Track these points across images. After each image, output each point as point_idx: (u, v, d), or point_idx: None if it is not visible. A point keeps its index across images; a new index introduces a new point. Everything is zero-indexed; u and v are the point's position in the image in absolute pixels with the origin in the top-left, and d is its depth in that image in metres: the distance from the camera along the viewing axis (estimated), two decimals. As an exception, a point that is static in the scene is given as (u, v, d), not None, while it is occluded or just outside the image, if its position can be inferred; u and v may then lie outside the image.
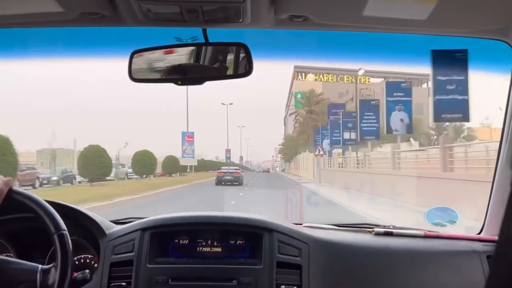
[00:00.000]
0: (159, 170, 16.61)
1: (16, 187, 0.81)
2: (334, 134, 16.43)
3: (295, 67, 25.72)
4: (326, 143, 17.00)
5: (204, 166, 22.67)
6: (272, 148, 37.92)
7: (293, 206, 7.04)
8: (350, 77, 25.45)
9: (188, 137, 19.01)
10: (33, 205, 0.79)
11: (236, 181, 14.38)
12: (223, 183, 14.37)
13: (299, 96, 25.99)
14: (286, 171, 29.98)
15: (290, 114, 27.03)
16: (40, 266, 0.80)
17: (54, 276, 0.77)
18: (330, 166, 16.46)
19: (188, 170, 19.25)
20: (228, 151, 28.43)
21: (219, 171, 15.53)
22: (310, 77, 26.15)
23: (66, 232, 0.78)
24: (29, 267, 0.80)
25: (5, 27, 0.89)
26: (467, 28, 0.92)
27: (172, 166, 16.76)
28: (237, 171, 14.97)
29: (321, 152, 15.94)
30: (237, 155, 34.24)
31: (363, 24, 0.89)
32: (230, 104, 24.80)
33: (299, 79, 26.06)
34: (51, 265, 0.80)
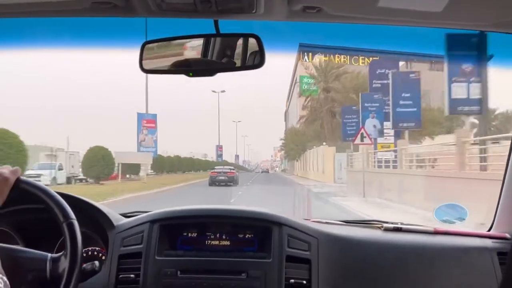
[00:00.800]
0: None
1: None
2: (403, 102, 9.75)
3: (300, 45, 20.92)
4: (371, 124, 10.54)
5: (177, 165, 19.27)
6: (271, 148, 37.76)
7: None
8: (366, 58, 20.61)
9: (147, 122, 14.14)
10: (41, 194, 0.87)
11: (231, 182, 14.42)
12: (216, 183, 14.61)
13: (305, 79, 22.49)
14: (289, 172, 27.23)
15: (300, 96, 23.37)
16: (49, 254, 0.89)
17: (64, 264, 0.85)
18: (392, 165, 9.42)
19: (149, 171, 14.54)
20: (219, 147, 26.23)
21: (213, 171, 15.70)
22: (319, 58, 22.30)
23: (75, 221, 0.86)
24: (39, 255, 0.89)
25: (15, 16, 0.96)
26: (484, 21, 0.98)
27: (101, 166, 11.46)
28: (232, 171, 15.20)
29: (368, 141, 9.66)
30: (232, 154, 33.57)
31: (377, 16, 0.97)
32: (222, 91, 23.30)
33: (305, 60, 22.44)
34: (60, 253, 0.88)
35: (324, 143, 18.25)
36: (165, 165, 17.58)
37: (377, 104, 11.20)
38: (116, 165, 12.47)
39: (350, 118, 13.17)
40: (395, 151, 10.41)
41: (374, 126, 10.97)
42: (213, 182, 14.63)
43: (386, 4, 0.90)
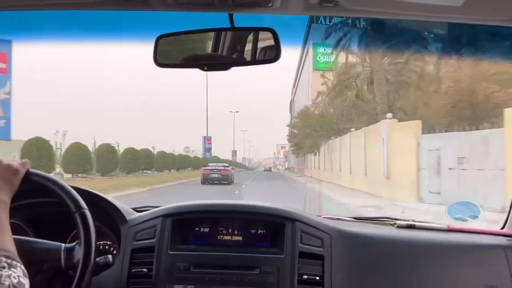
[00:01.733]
0: None
1: None
2: None
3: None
4: None
5: (107, 161, 15.02)
6: (274, 145, 37.08)
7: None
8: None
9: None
10: (52, 185, 0.94)
11: (225, 180, 14.71)
12: (209, 181, 14.87)
13: (321, 49, 16.63)
14: (297, 171, 22.46)
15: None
16: (63, 244, 0.97)
17: (78, 254, 0.93)
18: None
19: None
20: (207, 139, 23.55)
21: (205, 168, 16.01)
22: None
23: (87, 211, 0.94)
24: (53, 246, 0.97)
25: (29, 9, 1.03)
26: (505, 16, 1.03)
27: None
28: (226, 168, 15.55)
29: None
30: (229, 149, 32.81)
31: (394, 10, 1.03)
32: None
33: (322, 23, 15.46)
34: (74, 243, 0.96)
35: (388, 116, 10.21)
36: (41, 158, 11.53)
37: None
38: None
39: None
40: None
41: None
42: (206, 180, 14.93)
43: None
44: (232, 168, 18.17)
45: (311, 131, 16.45)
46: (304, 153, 19.69)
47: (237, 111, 29.82)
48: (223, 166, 16.44)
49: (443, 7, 1.01)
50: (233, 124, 31.70)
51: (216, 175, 15.29)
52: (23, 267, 0.75)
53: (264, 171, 28.88)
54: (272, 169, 31.05)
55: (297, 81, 27.79)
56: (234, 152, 30.69)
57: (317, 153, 17.74)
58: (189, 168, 19.64)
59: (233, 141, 32.52)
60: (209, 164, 16.89)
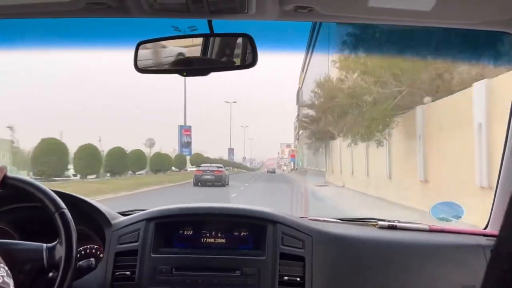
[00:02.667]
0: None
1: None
2: None
3: None
4: None
5: None
6: (278, 144, 36.20)
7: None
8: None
9: None
10: (30, 188, 1.02)
11: (218, 181, 14.77)
12: (202, 183, 14.97)
13: None
14: (307, 173, 18.42)
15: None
16: (44, 244, 1.04)
17: (60, 252, 1.01)
18: None
19: None
20: (185, 130, 18.68)
21: (198, 169, 16.10)
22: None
23: (66, 210, 1.01)
24: (34, 246, 1.04)
25: (9, 17, 1.10)
26: (472, 20, 1.14)
27: None
28: (220, 169, 15.67)
29: None
30: (225, 147, 27.96)
31: (368, 15, 1.13)
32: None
33: None
34: (55, 242, 1.03)
35: None
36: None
37: None
38: None
39: None
40: None
41: None
42: (198, 182, 15.06)
43: (376, 4, 1.06)
44: (227, 169, 18.26)
45: (373, 88, 8.37)
46: (364, 139, 10.23)
47: (235, 101, 27.03)
48: (216, 167, 16.55)
49: (414, 12, 1.10)
50: (230, 117, 29.87)
51: (208, 177, 15.39)
52: (6, 268, 0.81)
53: (267, 172, 27.66)
54: (276, 171, 29.60)
55: (307, 59, 23.84)
56: (231, 150, 27.59)
57: (382, 140, 9.47)
58: (143, 172, 14.89)
59: (229, 138, 28.96)
60: (202, 165, 16.90)
